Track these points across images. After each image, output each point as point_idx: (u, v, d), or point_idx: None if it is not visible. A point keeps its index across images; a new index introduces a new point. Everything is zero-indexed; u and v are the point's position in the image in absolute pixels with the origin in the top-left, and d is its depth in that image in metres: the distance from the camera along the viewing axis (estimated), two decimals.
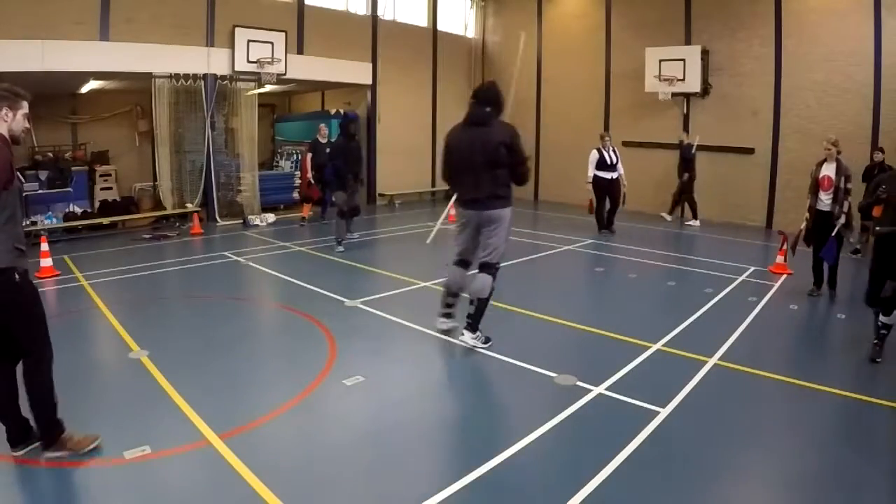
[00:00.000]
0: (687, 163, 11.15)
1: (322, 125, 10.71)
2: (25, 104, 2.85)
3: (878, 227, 4.46)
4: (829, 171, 5.90)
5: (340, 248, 8.19)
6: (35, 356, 2.87)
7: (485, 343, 4.54)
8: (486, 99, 4.39)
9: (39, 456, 2.92)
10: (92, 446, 2.98)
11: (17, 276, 2.74)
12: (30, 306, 2.85)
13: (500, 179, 4.39)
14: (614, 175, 9.70)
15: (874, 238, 4.56)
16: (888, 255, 4.36)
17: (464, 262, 4.70)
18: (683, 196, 11.32)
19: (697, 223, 11.11)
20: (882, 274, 4.35)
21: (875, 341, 4.45)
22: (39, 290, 3.09)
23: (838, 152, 5.89)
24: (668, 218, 11.54)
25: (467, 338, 4.53)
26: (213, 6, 10.43)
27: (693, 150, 11.22)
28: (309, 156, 10.56)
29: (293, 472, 2.89)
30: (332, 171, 8.74)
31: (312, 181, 10.51)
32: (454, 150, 4.49)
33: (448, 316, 4.79)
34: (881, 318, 4.41)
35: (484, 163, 4.31)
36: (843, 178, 5.80)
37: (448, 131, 4.61)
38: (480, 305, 4.50)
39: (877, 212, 4.49)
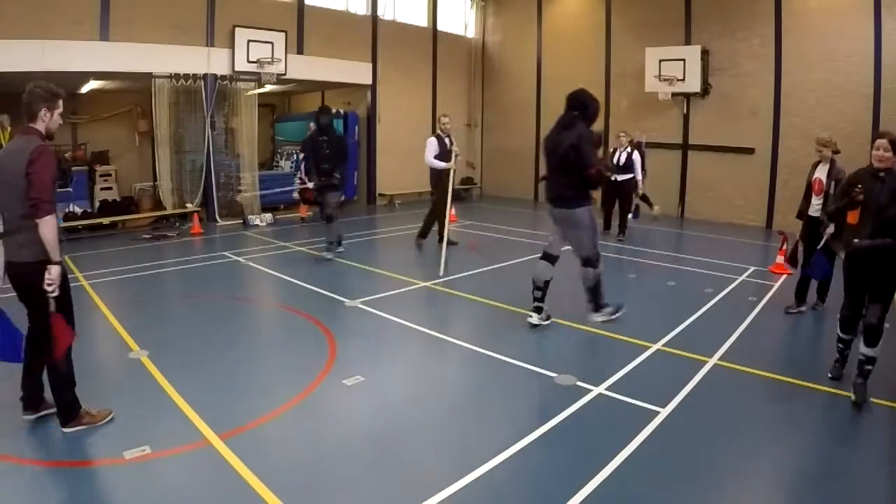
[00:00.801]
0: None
1: (312, 124, 10.67)
2: (61, 103, 3.09)
3: (855, 240, 3.68)
4: (821, 173, 5.35)
5: (329, 255, 7.69)
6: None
7: (613, 314, 4.82)
8: (574, 103, 4.72)
9: (55, 430, 3.16)
10: (107, 420, 3.26)
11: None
12: (62, 294, 3.06)
13: (568, 181, 4.67)
14: (623, 177, 9.30)
15: (848, 252, 3.79)
16: (865, 274, 3.72)
17: (547, 256, 5.03)
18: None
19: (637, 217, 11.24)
20: (858, 296, 3.79)
21: (858, 380, 3.70)
22: None
23: (835, 152, 5.32)
24: (658, 210, 11.45)
25: (596, 317, 4.85)
26: (213, 6, 10.43)
27: (643, 147, 11.25)
28: (302, 155, 10.59)
29: (293, 472, 2.89)
30: (304, 167, 8.29)
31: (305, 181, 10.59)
32: (545, 150, 4.96)
33: (537, 310, 5.06)
34: (862, 349, 3.71)
35: (558, 164, 4.70)
36: (832, 183, 5.14)
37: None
38: (591, 291, 4.87)
39: (852, 218, 3.74)
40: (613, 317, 4.85)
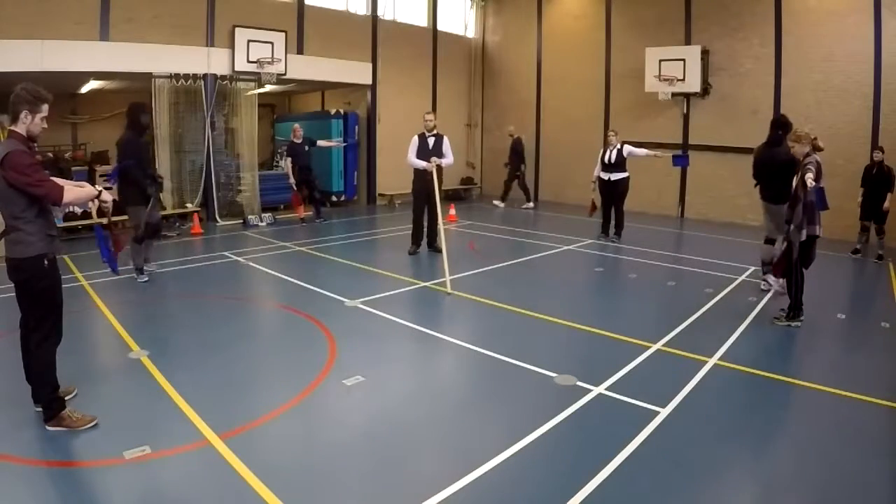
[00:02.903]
0: (518, 155, 13.13)
1: (296, 125, 10.72)
2: (45, 107, 3.10)
3: None
4: None
5: (143, 278, 6.43)
6: (40, 335, 3.16)
7: (781, 288, 5.56)
8: (778, 125, 6.06)
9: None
10: (88, 426, 3.19)
11: (45, 262, 3.09)
12: (48, 291, 3.16)
13: (781, 185, 5.79)
14: (616, 176, 9.21)
15: None
16: None
17: (769, 241, 6.14)
18: (515, 184, 13.25)
19: (532, 205, 13.20)
20: None
21: None
22: None
23: (816, 149, 4.84)
24: (502, 205, 13.27)
25: (771, 280, 5.77)
26: (213, 6, 10.43)
27: (522, 143, 13.12)
28: (289, 160, 10.61)
29: (293, 472, 2.89)
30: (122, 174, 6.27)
31: (294, 185, 10.68)
32: (758, 161, 6.22)
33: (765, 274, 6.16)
34: None
35: (773, 173, 5.96)
36: (798, 172, 4.80)
37: (756, 148, 6.36)
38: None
39: None
40: (779, 288, 5.58)
